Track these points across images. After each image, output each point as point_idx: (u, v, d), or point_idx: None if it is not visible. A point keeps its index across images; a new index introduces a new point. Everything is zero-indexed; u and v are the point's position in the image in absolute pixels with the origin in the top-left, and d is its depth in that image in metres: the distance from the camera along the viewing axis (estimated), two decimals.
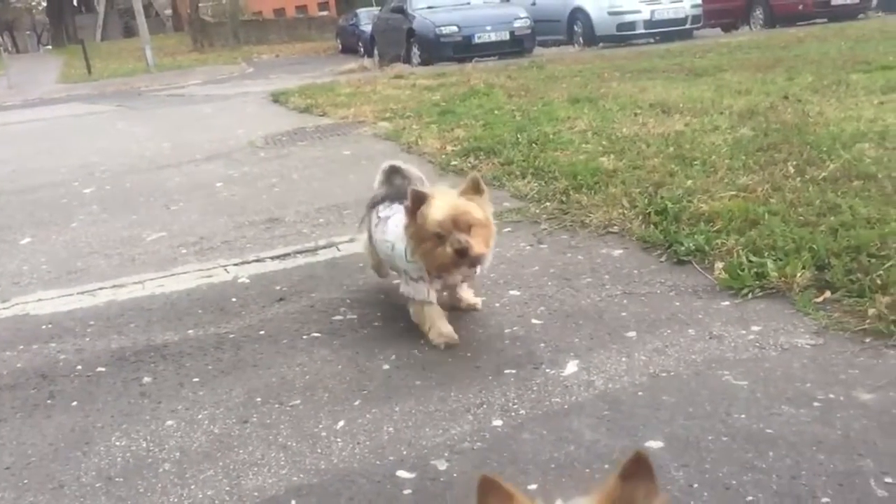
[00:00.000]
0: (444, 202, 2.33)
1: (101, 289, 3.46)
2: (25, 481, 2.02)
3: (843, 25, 14.02)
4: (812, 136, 4.53)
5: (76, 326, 3.05)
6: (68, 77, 22.83)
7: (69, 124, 10.65)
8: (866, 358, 2.21)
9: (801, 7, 16.61)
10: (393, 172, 2.84)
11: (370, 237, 2.87)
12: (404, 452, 1.99)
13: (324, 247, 3.78)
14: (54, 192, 5.65)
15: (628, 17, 15.93)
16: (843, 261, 2.71)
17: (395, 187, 2.74)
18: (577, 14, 16.53)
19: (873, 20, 15.67)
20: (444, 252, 2.32)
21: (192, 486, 1.93)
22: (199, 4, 36.11)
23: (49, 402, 2.44)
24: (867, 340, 2.30)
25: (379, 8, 22.16)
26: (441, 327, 2.57)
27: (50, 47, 50.11)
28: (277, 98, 10.44)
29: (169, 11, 50.66)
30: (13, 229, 4.65)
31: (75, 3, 53.67)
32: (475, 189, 2.40)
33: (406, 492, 1.84)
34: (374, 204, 2.83)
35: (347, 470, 1.94)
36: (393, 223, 2.63)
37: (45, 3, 54.14)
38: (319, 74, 15.09)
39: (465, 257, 2.31)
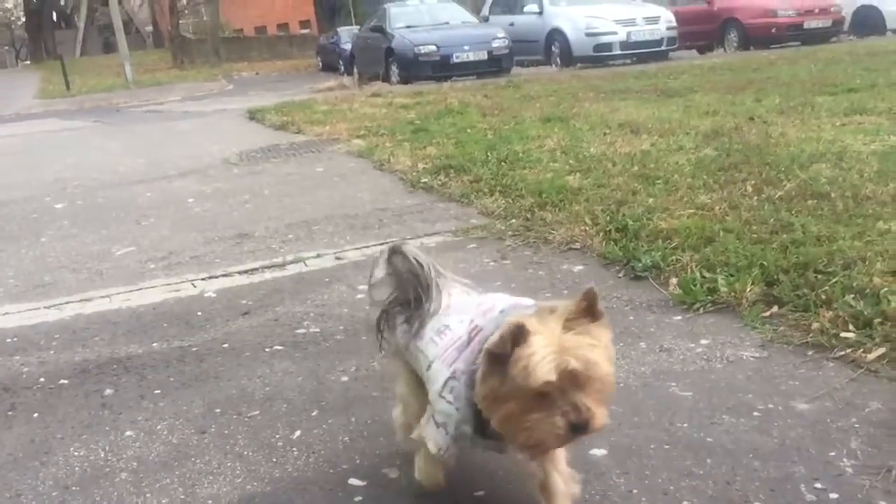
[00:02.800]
0: (551, 342, 1.46)
1: (67, 303, 3.49)
2: None
3: (815, 48, 14.29)
4: (772, 157, 4.65)
5: (41, 339, 3.07)
6: (46, 93, 22.71)
7: (44, 140, 10.63)
8: (807, 370, 2.29)
9: (774, 30, 16.90)
10: (394, 256, 1.90)
11: (398, 341, 1.89)
12: (357, 461, 2.04)
13: (291, 262, 3.83)
14: (25, 206, 5.66)
15: (605, 39, 16.14)
16: (791, 277, 2.80)
17: (403, 282, 1.86)
18: (555, 35, 16.73)
19: (845, 43, 15.98)
20: (551, 423, 1.47)
21: (148, 495, 1.97)
22: (180, 21, 36.12)
23: (10, 413, 2.47)
24: (809, 353, 2.38)
25: (359, 27, 22.31)
26: (433, 468, 1.82)
27: (29, 62, 49.88)
28: (254, 115, 10.49)
29: (149, 28, 50.63)
30: None
31: (55, 18, 53.49)
32: (590, 312, 1.52)
33: (357, 499, 1.88)
34: (389, 308, 1.91)
35: (301, 478, 1.99)
36: (433, 330, 1.77)
37: (23, 19, 53.93)
38: (298, 92, 15.14)
39: (581, 433, 1.49)
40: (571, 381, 1.45)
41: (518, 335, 1.46)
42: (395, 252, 1.88)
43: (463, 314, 1.74)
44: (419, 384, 1.81)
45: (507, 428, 1.53)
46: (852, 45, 14.31)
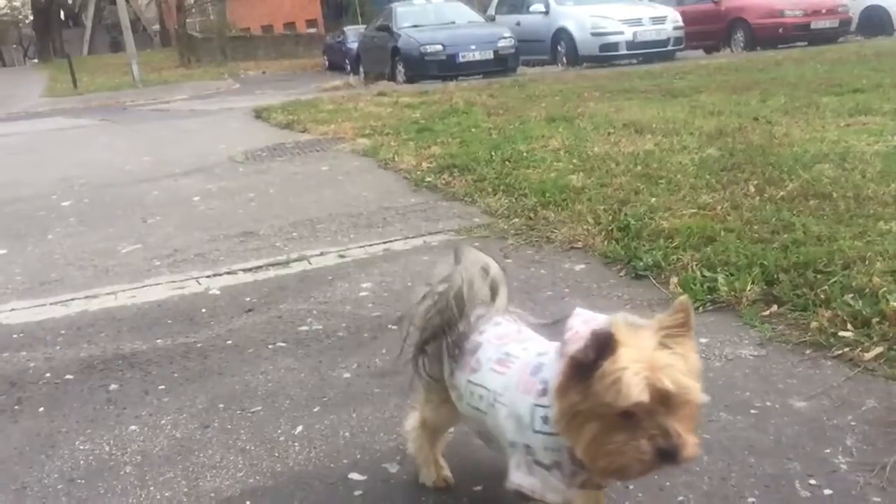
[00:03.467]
0: (642, 357, 1.30)
1: (73, 299, 3.52)
2: None
3: (821, 49, 14.26)
4: (775, 157, 4.66)
5: (47, 335, 3.11)
6: (54, 91, 22.82)
7: (52, 138, 10.68)
8: (805, 368, 2.31)
9: (781, 30, 16.87)
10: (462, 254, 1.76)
11: (439, 371, 1.75)
12: (358, 456, 2.07)
13: (295, 260, 3.86)
14: (32, 204, 5.70)
15: (611, 38, 16.13)
16: (791, 276, 2.81)
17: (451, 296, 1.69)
18: (561, 34, 16.74)
19: (852, 44, 15.94)
20: (636, 447, 1.31)
21: (152, 488, 2.00)
22: (187, 20, 36.22)
23: (16, 407, 2.50)
24: (807, 352, 2.40)
25: (366, 26, 22.35)
26: None
27: (36, 61, 50.06)
28: (260, 114, 10.53)
29: (157, 27, 50.77)
30: None
31: (62, 17, 53.70)
32: (683, 325, 1.37)
33: (357, 493, 1.91)
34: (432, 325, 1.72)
35: (302, 472, 2.02)
36: (489, 354, 1.62)
37: (31, 17, 54.14)
38: (304, 91, 15.20)
39: (669, 462, 1.32)
40: (663, 403, 1.29)
41: (605, 344, 1.29)
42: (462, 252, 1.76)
43: (525, 342, 1.63)
44: (446, 402, 1.74)
45: (586, 451, 1.36)
46: (859, 46, 14.28)
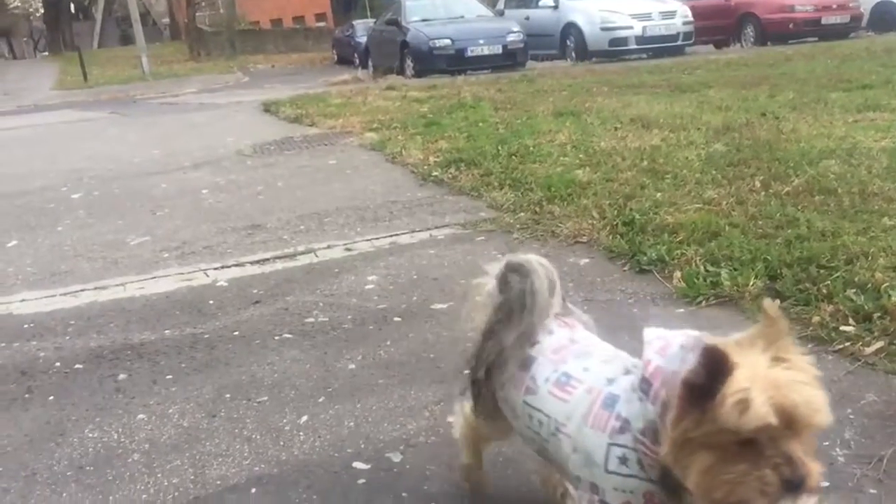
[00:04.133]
0: (758, 375, 1.17)
1: (83, 290, 3.57)
2: (0, 469, 2.11)
3: (832, 44, 14.19)
4: (781, 153, 4.66)
5: (57, 326, 3.15)
6: (64, 84, 22.91)
7: (62, 131, 10.75)
8: None
9: (791, 25, 16.78)
10: (512, 273, 1.61)
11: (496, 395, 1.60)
12: (362, 446, 2.10)
13: (302, 252, 3.89)
14: (43, 196, 5.75)
15: (620, 33, 16.09)
16: (794, 271, 2.83)
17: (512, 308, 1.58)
18: (570, 29, 16.70)
19: (863, 40, 15.86)
20: (760, 478, 1.16)
21: (159, 475, 2.04)
22: (196, 13, 36.31)
23: (27, 396, 2.54)
24: (809, 346, 2.41)
25: (375, 20, 22.35)
26: None
27: (47, 54, 50.23)
28: (269, 108, 10.56)
29: (166, 20, 50.92)
30: (0, 232, 4.74)
31: (72, 10, 53.86)
32: (781, 334, 1.23)
33: (360, 481, 1.94)
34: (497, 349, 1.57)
35: (307, 461, 2.05)
36: (545, 373, 1.50)
37: (42, 10, 54.31)
38: (313, 85, 15.22)
39: (794, 493, 1.16)
40: (788, 426, 1.15)
41: (719, 364, 1.15)
42: (513, 269, 1.59)
43: (583, 359, 1.48)
44: (497, 414, 1.61)
45: (699, 483, 1.20)
46: (870, 42, 14.22)
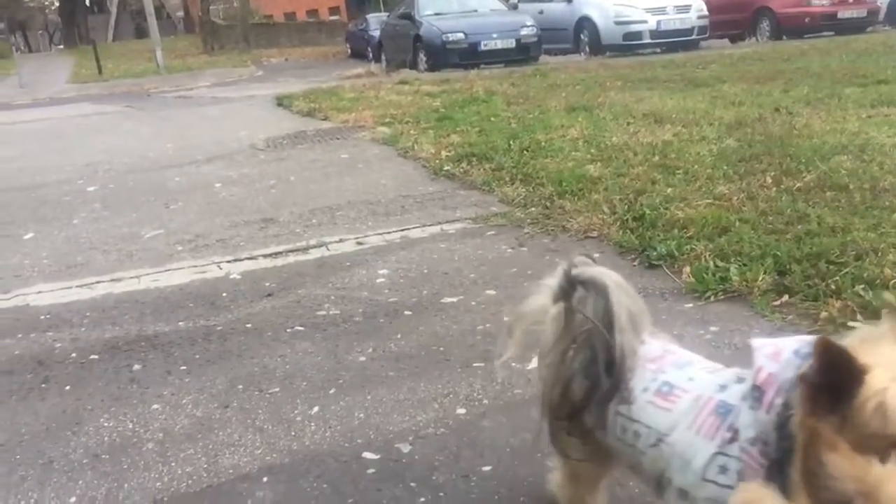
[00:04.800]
0: None
1: (98, 282, 3.62)
2: (17, 457, 2.16)
3: (848, 39, 14.08)
4: (794, 148, 4.65)
5: (73, 317, 3.20)
6: (79, 77, 23.08)
7: (77, 124, 10.83)
8: None
9: (807, 20, 16.65)
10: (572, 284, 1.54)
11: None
12: (372, 436, 2.13)
13: (314, 246, 3.92)
14: (59, 189, 5.82)
15: (634, 27, 16.03)
16: (803, 267, 2.84)
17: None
18: (584, 23, 16.65)
19: (880, 34, 15.74)
20: None
21: (173, 464, 2.08)
22: (211, 7, 36.40)
23: (43, 386, 2.59)
24: None
25: (388, 14, 22.36)
26: None
27: (62, 47, 50.56)
28: (282, 101, 10.60)
29: (181, 13, 51.11)
30: (17, 224, 4.81)
31: (88, 3, 54.17)
32: None
33: (370, 471, 1.97)
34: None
35: (317, 451, 2.08)
36: (643, 383, 1.41)
37: (57, 3, 54.62)
38: (326, 79, 15.26)
39: None
40: None
41: (840, 361, 1.06)
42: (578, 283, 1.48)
43: (685, 367, 1.41)
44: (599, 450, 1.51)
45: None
46: (887, 36, 14.11)
